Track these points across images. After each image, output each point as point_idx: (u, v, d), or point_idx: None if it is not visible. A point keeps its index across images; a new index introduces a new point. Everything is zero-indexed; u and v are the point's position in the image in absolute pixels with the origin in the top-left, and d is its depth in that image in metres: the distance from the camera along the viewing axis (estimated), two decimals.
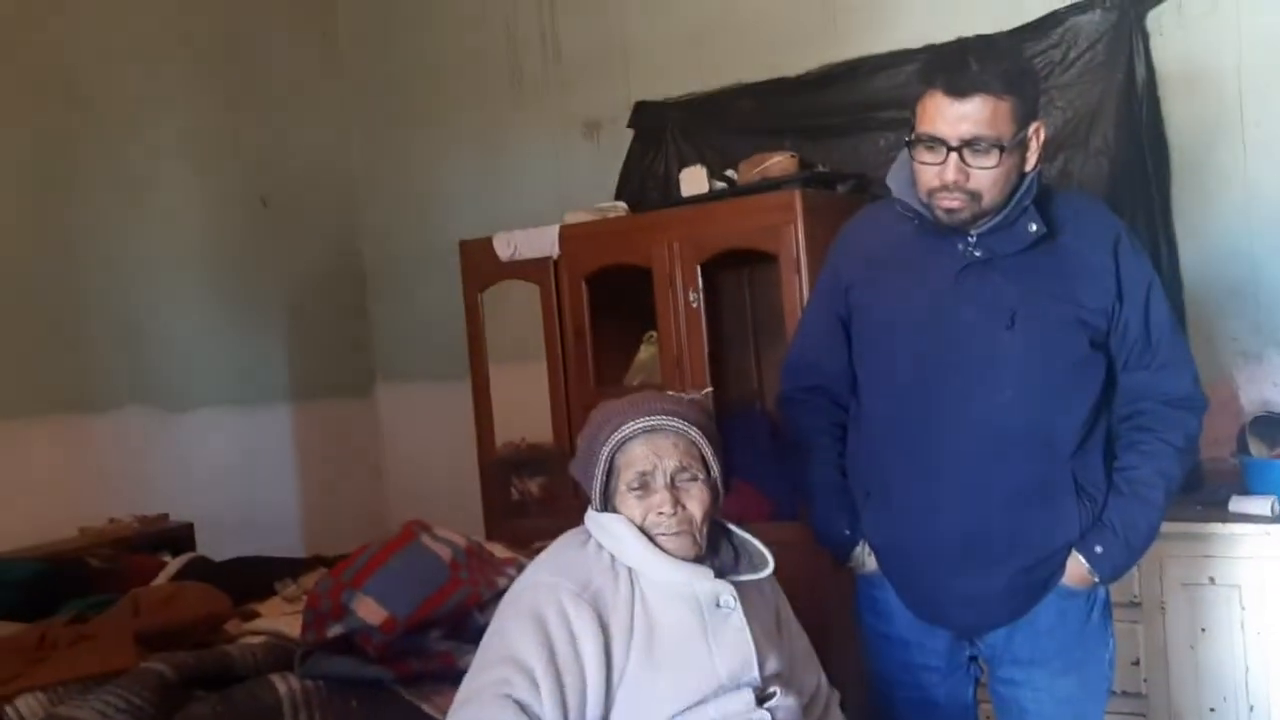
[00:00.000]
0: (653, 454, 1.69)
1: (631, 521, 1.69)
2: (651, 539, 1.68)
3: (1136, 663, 2.72)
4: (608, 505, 1.73)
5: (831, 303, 2.08)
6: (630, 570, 1.68)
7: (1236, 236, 3.02)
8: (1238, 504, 2.68)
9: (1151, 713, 2.72)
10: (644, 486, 1.69)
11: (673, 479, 1.69)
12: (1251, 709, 2.62)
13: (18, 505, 3.24)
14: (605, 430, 1.72)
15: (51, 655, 2.11)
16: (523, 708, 1.51)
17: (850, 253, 2.09)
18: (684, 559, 1.69)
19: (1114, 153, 3.11)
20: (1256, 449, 2.81)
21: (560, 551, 1.75)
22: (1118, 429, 1.96)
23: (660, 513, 1.67)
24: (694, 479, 1.70)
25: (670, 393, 1.83)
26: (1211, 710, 2.66)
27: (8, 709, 1.91)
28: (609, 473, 1.72)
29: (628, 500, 1.70)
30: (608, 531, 1.71)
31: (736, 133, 3.64)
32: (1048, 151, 3.10)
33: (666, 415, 1.70)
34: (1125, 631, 2.70)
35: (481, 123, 4.26)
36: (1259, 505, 2.64)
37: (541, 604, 1.60)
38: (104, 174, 3.61)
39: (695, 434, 1.71)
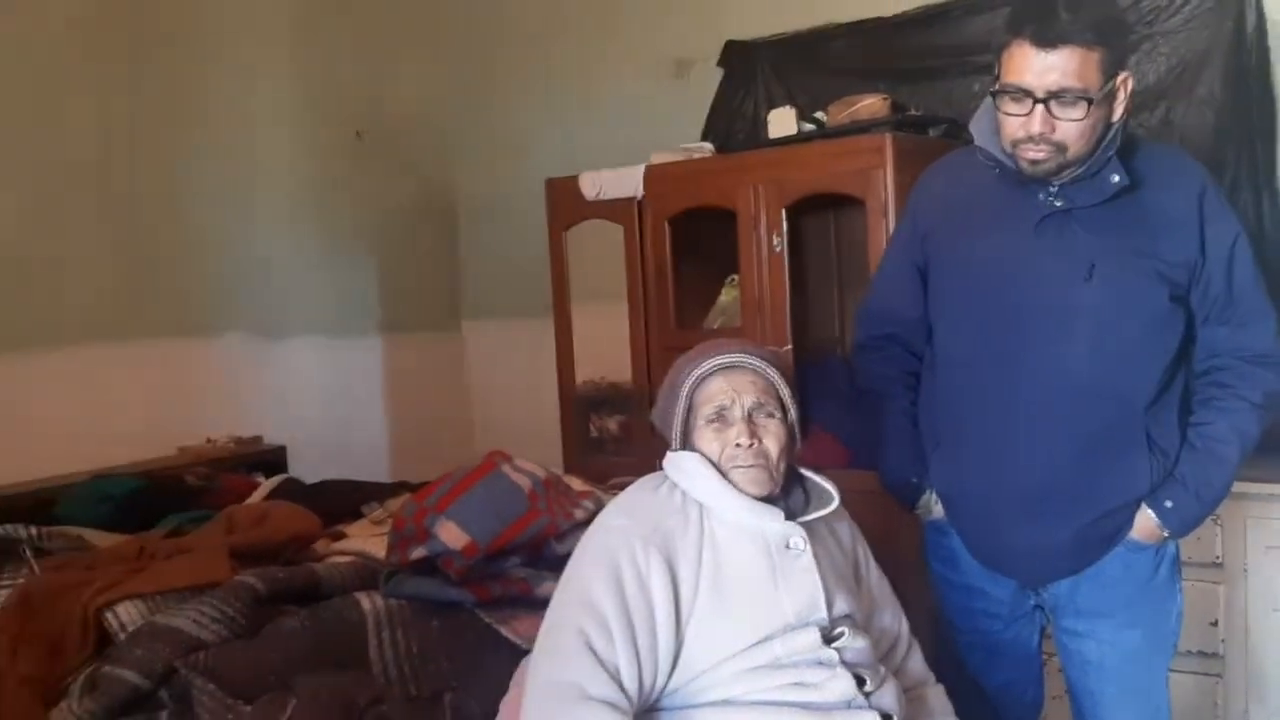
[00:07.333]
0: (731, 389, 1.73)
1: (707, 458, 1.72)
2: (726, 474, 1.70)
3: (1215, 623, 2.69)
4: (686, 444, 1.76)
5: (909, 251, 2.07)
6: (701, 508, 1.70)
7: None
8: None
9: (1228, 674, 2.69)
10: (721, 419, 1.72)
11: (750, 414, 1.72)
12: None
13: (121, 424, 3.37)
14: (686, 369, 1.77)
15: (150, 566, 2.22)
16: (597, 655, 1.55)
17: (929, 201, 2.07)
18: (757, 496, 1.70)
19: (1219, 103, 3.01)
20: None
21: (634, 494, 1.78)
22: (1195, 384, 1.93)
23: (737, 444, 1.70)
24: (771, 415, 1.73)
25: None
26: None
27: (109, 615, 2.03)
28: (689, 410, 1.75)
29: (705, 434, 1.73)
30: (681, 469, 1.73)
31: (829, 74, 3.59)
32: (1149, 100, 3.06)
33: (746, 354, 1.76)
34: (1206, 591, 2.67)
35: (573, 61, 4.26)
36: None
37: (615, 548, 1.64)
38: (207, 107, 3.70)
39: (774, 374, 1.75)
